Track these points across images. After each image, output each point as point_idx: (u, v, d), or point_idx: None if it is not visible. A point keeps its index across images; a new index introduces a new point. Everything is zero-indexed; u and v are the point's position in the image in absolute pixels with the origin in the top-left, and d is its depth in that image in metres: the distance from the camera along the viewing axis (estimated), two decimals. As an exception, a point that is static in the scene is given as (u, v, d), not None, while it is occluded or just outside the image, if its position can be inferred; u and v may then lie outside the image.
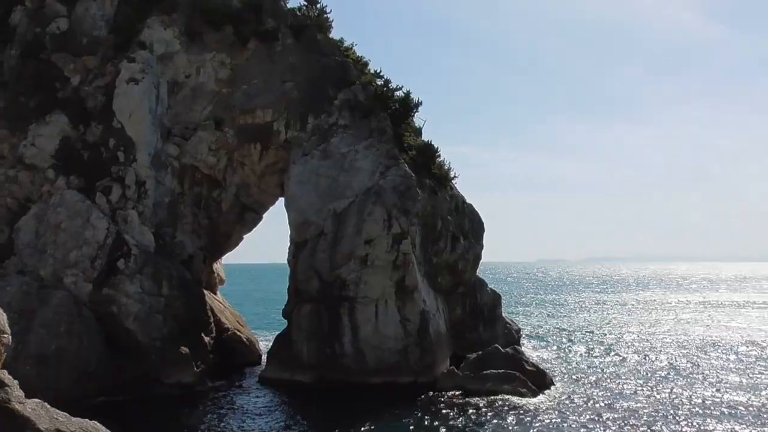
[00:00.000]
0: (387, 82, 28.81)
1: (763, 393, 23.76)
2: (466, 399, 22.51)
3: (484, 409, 21.27)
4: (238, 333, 30.02)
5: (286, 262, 27.03)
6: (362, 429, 19.09)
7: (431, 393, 23.13)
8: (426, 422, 19.76)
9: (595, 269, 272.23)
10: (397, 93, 28.82)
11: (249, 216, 30.07)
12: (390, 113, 28.18)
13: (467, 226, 29.79)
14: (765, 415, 20.54)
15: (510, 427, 19.27)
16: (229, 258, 34.82)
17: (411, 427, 19.18)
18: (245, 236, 31.54)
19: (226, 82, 27.48)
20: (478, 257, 30.67)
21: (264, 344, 31.68)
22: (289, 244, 26.80)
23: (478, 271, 31.19)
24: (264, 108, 27.41)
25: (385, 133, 27.18)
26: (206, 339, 26.88)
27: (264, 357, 28.51)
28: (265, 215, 31.25)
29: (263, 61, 27.77)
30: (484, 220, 30.92)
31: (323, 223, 25.83)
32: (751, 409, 21.38)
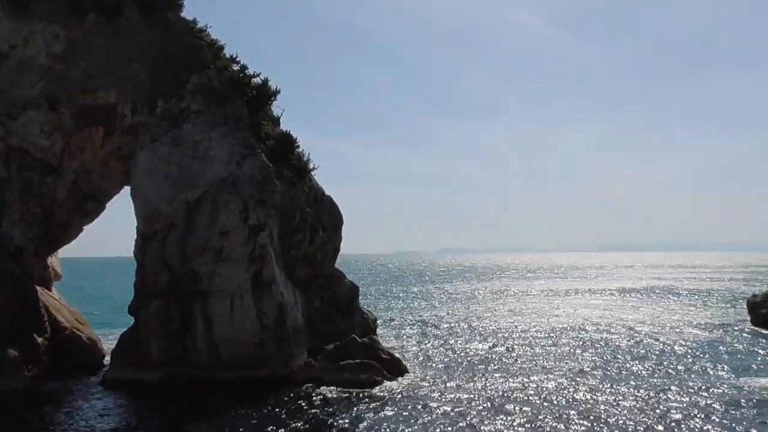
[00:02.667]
0: (243, 67, 27.76)
1: (605, 383, 26.17)
2: (323, 390, 22.56)
3: (339, 399, 21.45)
4: (78, 332, 27.59)
5: (132, 255, 25.30)
6: (214, 426, 18.44)
7: (288, 386, 22.88)
8: (280, 416, 19.48)
9: (448, 260, 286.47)
10: (255, 80, 27.92)
11: (90, 205, 27.64)
12: (246, 101, 27.26)
13: (326, 219, 29.73)
14: (592, 397, 22.63)
15: (364, 416, 19.53)
16: (67, 251, 31.84)
17: (265, 422, 18.79)
18: (86, 227, 28.99)
19: (60, 57, 24.84)
20: (337, 249, 30.79)
21: (108, 344, 29.47)
22: (135, 236, 25.08)
23: (336, 263, 31.31)
24: (107, 89, 25.24)
25: (242, 120, 26.26)
26: (39, 340, 24.45)
27: (108, 357, 26.52)
28: (108, 205, 28.94)
29: (105, 38, 25.49)
30: (342, 212, 31.05)
31: (174, 214, 24.48)
32: (578, 394, 23.42)
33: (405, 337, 36.23)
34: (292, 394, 22.03)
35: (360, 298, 32.45)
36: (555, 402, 20.84)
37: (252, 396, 21.46)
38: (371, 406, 20.53)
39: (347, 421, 19.10)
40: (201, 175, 24.84)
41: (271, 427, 18.28)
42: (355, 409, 20.30)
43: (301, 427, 18.45)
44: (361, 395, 21.92)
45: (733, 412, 19.65)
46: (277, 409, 20.17)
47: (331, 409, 20.27)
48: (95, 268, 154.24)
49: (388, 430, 18.11)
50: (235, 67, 27.66)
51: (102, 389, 23.31)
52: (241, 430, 18.07)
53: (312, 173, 29.44)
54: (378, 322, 35.89)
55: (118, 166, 26.68)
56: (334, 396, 21.92)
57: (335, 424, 18.83)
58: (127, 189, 26.64)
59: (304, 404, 20.84)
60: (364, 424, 18.74)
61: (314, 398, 21.64)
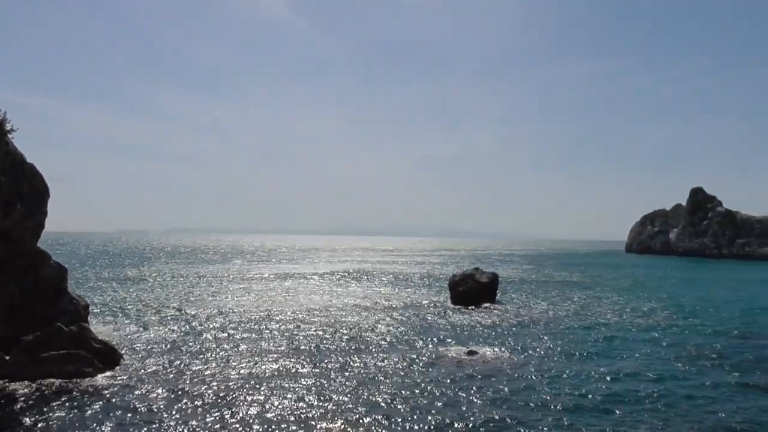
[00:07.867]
0: None
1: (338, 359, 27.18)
2: (18, 388, 19.53)
3: (38, 397, 18.80)
4: None
5: None
6: None
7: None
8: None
9: (176, 241, 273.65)
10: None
11: None
12: None
13: (26, 190, 25.66)
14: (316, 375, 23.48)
15: (67, 412, 17.38)
16: None
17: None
18: None
19: None
20: (41, 225, 26.86)
21: None
22: None
23: (40, 241, 27.35)
24: None
25: None
26: None
27: None
28: None
29: None
30: (49, 183, 27.17)
31: None
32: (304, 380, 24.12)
33: (122, 324, 33.35)
34: (-24, 396, 18.63)
35: (70, 281, 28.92)
36: (269, 388, 20.72)
37: None
38: (74, 401, 18.37)
39: (43, 420, 16.75)
40: None
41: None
42: (55, 408, 17.89)
43: (-15, 434, 15.66)
44: (65, 390, 19.48)
45: (430, 377, 22.18)
46: (-47, 416, 16.81)
47: (26, 411, 17.52)
48: None
49: (88, 427, 16.30)
50: None
51: None
52: None
53: (9, 136, 25.15)
54: (91, 308, 32.47)
55: None
56: (33, 393, 19.11)
57: (28, 425, 16.35)
58: None
59: (-10, 407, 17.73)
60: (62, 422, 16.59)
61: (6, 398, 18.57)
